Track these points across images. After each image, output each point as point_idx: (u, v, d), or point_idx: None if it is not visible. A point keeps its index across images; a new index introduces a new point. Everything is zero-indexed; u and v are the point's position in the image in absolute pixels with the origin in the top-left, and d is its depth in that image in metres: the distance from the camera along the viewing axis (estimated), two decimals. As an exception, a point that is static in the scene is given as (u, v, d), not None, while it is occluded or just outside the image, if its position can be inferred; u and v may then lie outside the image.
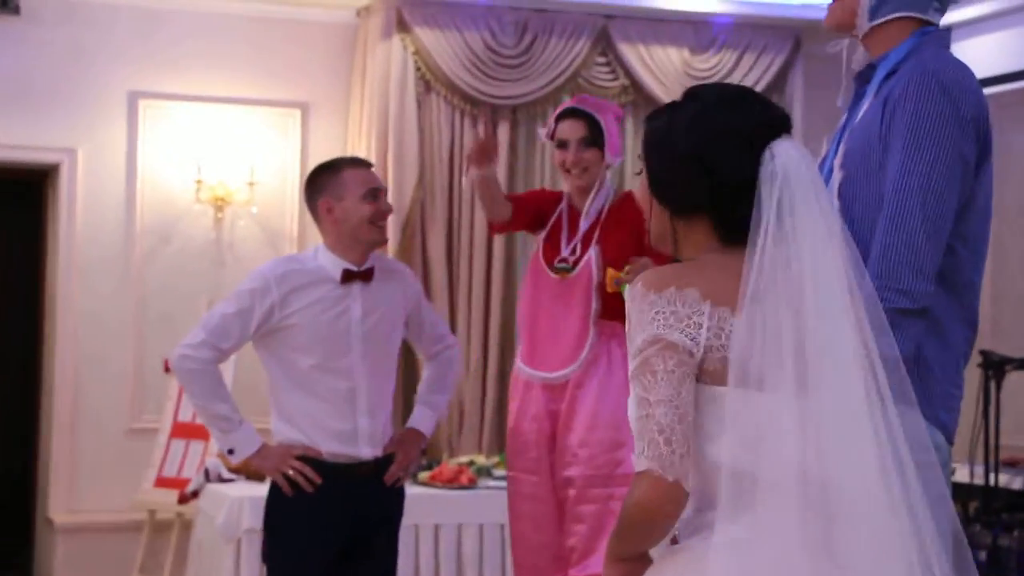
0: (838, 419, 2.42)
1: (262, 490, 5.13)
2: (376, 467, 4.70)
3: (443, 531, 6.69)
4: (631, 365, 2.49)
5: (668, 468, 2.42)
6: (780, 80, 8.44)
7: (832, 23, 3.30)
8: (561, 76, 8.04)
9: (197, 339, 4.57)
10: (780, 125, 2.56)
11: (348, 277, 4.62)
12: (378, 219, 4.65)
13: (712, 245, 2.56)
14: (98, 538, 7.64)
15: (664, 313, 2.47)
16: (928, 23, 3.20)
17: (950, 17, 6.37)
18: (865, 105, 3.20)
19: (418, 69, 7.87)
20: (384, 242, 4.85)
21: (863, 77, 3.25)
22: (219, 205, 7.80)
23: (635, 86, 8.16)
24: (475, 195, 5.69)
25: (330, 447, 4.61)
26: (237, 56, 7.90)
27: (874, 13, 3.20)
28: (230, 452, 4.71)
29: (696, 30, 8.26)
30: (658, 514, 2.45)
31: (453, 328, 7.66)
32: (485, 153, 4.99)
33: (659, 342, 2.46)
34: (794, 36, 8.37)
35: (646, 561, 2.55)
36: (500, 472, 6.88)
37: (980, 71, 6.53)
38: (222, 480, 6.99)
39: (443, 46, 7.87)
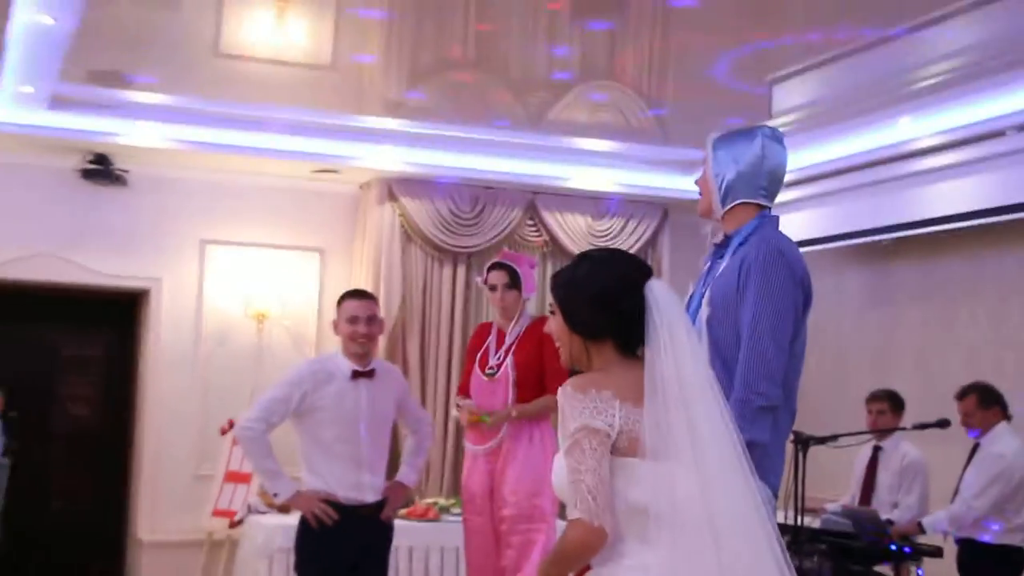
0: (722, 471, 2.45)
1: (289, 520, 5.30)
2: (375, 508, 4.82)
3: (416, 552, 6.91)
4: (563, 445, 2.49)
5: (595, 516, 2.43)
6: (654, 239, 8.88)
7: (701, 211, 3.46)
8: (502, 233, 8.47)
9: (253, 415, 4.74)
10: (648, 272, 2.64)
11: (356, 375, 4.77)
12: (356, 338, 4.79)
13: (615, 359, 2.58)
14: (171, 553, 7.79)
15: (588, 408, 2.48)
16: (763, 206, 3.33)
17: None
18: (724, 263, 3.30)
19: (402, 227, 8.27)
20: (363, 354, 4.80)
21: (722, 244, 3.38)
22: (260, 319, 8.15)
23: (553, 241, 8.59)
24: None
25: (344, 493, 4.74)
26: (275, 214, 8.30)
27: (723, 203, 3.34)
28: (275, 495, 4.79)
29: (595, 203, 8.69)
30: (586, 549, 2.48)
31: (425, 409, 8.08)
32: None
33: (586, 428, 2.47)
34: (663, 209, 8.85)
35: None
36: (456, 510, 7.21)
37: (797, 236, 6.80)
38: (260, 512, 7.23)
39: (420, 211, 8.28)
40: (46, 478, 8.78)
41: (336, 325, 4.87)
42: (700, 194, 3.44)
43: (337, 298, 5.05)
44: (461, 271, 8.50)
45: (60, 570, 8.75)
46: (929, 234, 7.29)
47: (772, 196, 3.41)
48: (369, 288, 8.10)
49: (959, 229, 7.11)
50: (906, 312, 7.62)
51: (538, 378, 5.17)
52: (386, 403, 4.92)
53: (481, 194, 8.50)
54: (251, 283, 8.24)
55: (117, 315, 8.73)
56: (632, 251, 8.61)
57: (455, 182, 8.35)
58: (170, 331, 8.02)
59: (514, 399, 5.18)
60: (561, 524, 4.71)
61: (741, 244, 3.29)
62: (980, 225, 6.96)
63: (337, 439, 4.71)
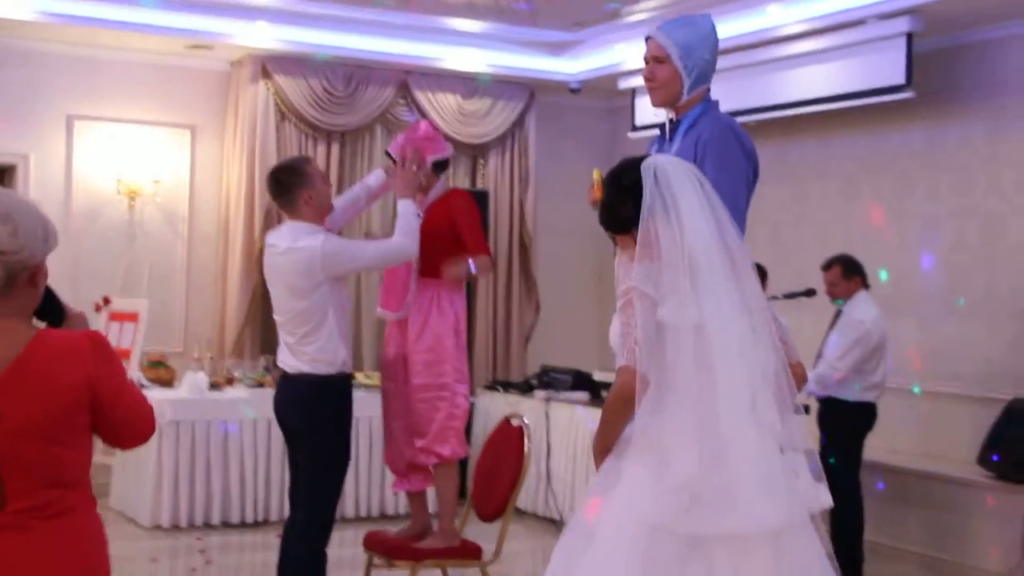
0: (720, 319, 2.64)
1: (176, 394, 5.37)
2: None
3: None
4: (618, 303, 2.74)
5: (639, 364, 2.66)
6: (521, 120, 8.95)
7: (659, 102, 3.43)
8: (375, 111, 8.43)
9: (368, 251, 4.64)
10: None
11: None
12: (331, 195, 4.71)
13: None
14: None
15: (640, 274, 2.69)
16: (707, 92, 3.39)
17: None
18: (675, 146, 3.36)
19: (276, 104, 8.16)
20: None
21: (670, 128, 3.42)
22: (132, 196, 8.02)
23: (424, 119, 8.36)
24: None
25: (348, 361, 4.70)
26: (146, 90, 8.11)
27: (693, 88, 3.36)
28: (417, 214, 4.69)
29: (465, 83, 8.68)
30: (630, 392, 2.68)
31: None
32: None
33: (637, 290, 2.69)
34: (530, 90, 8.96)
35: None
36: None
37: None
38: (144, 387, 6.90)
39: (294, 88, 8.17)
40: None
41: (310, 196, 4.54)
42: (651, 85, 3.41)
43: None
44: (335, 149, 8.45)
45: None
46: (787, 117, 7.50)
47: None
48: (243, 166, 8.10)
49: (813, 113, 7.35)
50: (763, 190, 7.84)
51: (447, 243, 4.96)
52: None
53: (355, 72, 8.41)
54: (122, 160, 8.06)
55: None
56: (499, 131, 8.84)
57: (329, 59, 8.22)
58: (40, 209, 7.68)
59: (418, 269, 5.01)
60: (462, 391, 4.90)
61: (691, 126, 3.35)
62: (833, 109, 7.21)
63: (343, 306, 4.67)
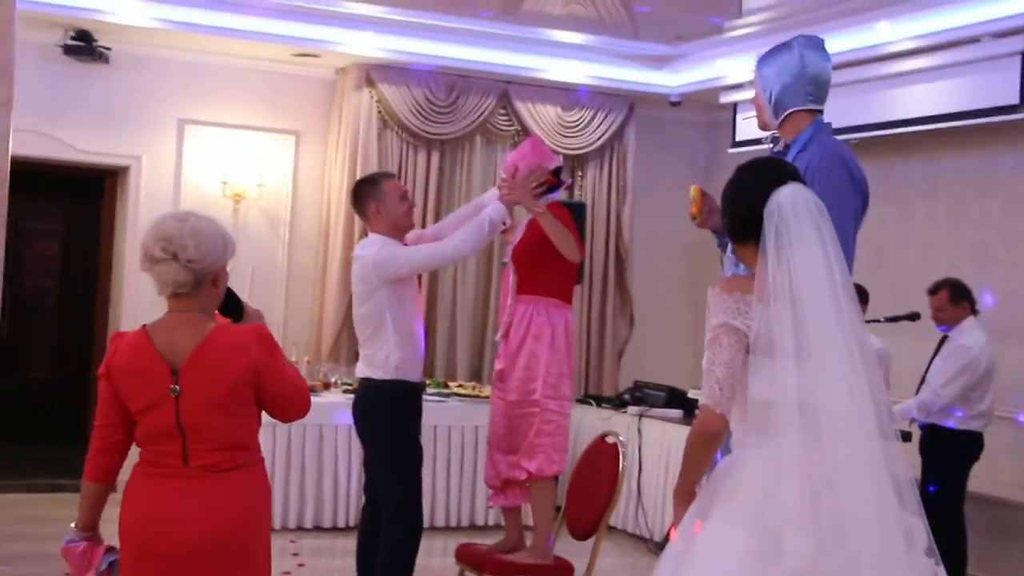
0: (826, 373, 2.52)
1: None
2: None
3: None
4: (707, 337, 2.66)
5: (718, 404, 2.60)
6: (620, 132, 8.81)
7: (761, 125, 3.55)
8: (475, 121, 8.36)
9: (419, 253, 4.62)
10: (788, 177, 2.67)
11: None
12: (411, 213, 4.76)
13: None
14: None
15: (731, 308, 2.62)
16: (815, 111, 3.40)
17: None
18: None
19: (379, 112, 8.14)
20: (413, 226, 4.83)
21: (782, 152, 3.42)
22: (237, 200, 8.07)
23: (524, 130, 8.44)
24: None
25: (418, 369, 4.75)
26: (253, 96, 8.14)
27: (776, 115, 3.44)
28: (504, 223, 4.77)
29: (566, 94, 8.59)
30: (707, 434, 2.63)
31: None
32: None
33: (726, 326, 2.62)
34: (630, 102, 8.81)
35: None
36: (431, 389, 7.19)
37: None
38: None
39: (397, 97, 8.16)
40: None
41: (378, 209, 4.64)
42: (756, 112, 3.52)
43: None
44: (435, 157, 8.42)
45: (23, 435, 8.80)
46: (895, 135, 7.27)
47: (821, 99, 3.46)
48: (345, 173, 8.11)
49: (921, 132, 7.12)
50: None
51: (544, 257, 4.92)
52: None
53: (456, 82, 8.38)
54: (228, 164, 8.12)
55: (100, 189, 8.48)
56: (598, 143, 8.75)
57: (431, 69, 8.21)
58: (148, 209, 7.67)
59: (515, 286, 5.01)
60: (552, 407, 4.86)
61: (801, 151, 3.34)
62: (941, 128, 6.97)
63: (413, 310, 4.71)
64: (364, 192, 4.69)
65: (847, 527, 2.44)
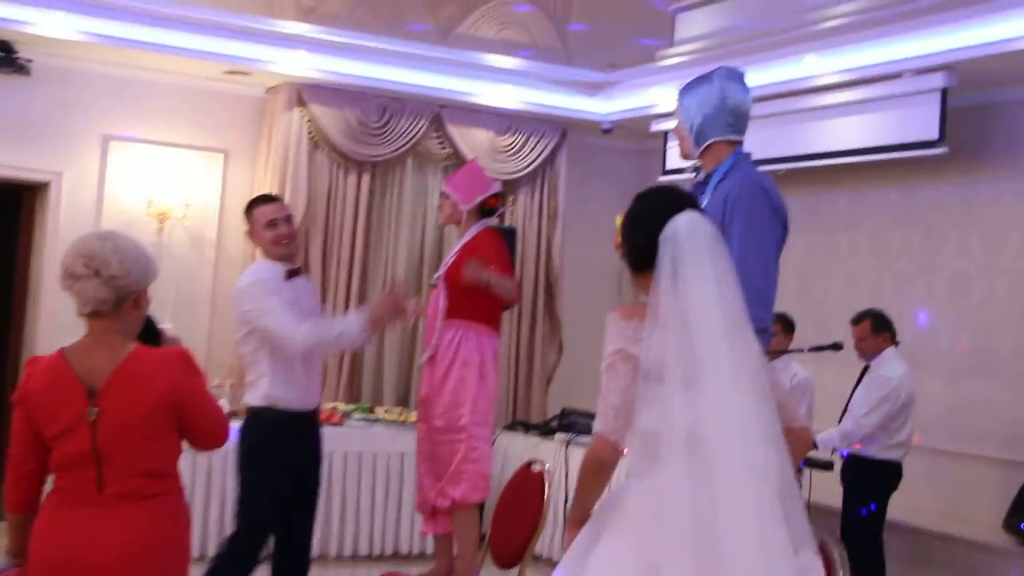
0: (719, 400, 2.48)
1: None
2: (317, 412, 4.68)
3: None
4: (603, 364, 2.64)
5: (611, 432, 2.58)
6: (552, 157, 8.85)
7: (682, 154, 3.60)
8: (407, 144, 8.32)
9: (284, 326, 4.34)
10: (685, 205, 2.65)
11: (290, 275, 4.53)
12: (280, 240, 4.51)
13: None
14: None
15: (628, 334, 2.60)
16: (736, 142, 3.44)
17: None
18: (706, 199, 3.39)
19: (310, 133, 8.07)
20: (289, 254, 4.52)
21: (703, 182, 3.48)
22: (162, 219, 7.93)
23: (456, 154, 8.44)
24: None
25: (301, 400, 4.54)
26: (181, 113, 8.03)
27: (696, 145, 3.49)
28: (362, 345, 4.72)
29: (499, 119, 8.62)
30: (600, 462, 2.61)
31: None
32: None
33: (621, 352, 2.59)
34: (562, 128, 8.86)
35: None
36: (357, 415, 7.23)
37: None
38: None
39: (328, 118, 8.10)
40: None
41: (253, 234, 4.58)
42: (678, 141, 3.57)
43: (243, 203, 4.77)
44: (366, 180, 8.38)
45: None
46: (820, 167, 7.37)
47: (741, 130, 3.50)
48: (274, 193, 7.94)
49: (846, 164, 7.22)
50: (792, 240, 7.72)
51: (469, 289, 4.94)
52: (313, 298, 4.76)
53: (389, 104, 8.34)
54: (154, 182, 7.99)
55: (16, 204, 8.20)
56: (530, 168, 8.78)
57: (364, 90, 8.19)
58: (69, 227, 7.52)
59: (445, 309, 5.00)
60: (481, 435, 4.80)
61: (721, 180, 3.38)
62: (865, 161, 7.07)
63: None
64: (245, 215, 4.63)
65: (731, 562, 2.38)
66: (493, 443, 5.00)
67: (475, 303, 4.98)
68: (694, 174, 3.56)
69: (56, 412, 2.84)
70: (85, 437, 2.81)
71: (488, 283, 4.79)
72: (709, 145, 3.46)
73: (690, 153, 3.53)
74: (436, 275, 5.21)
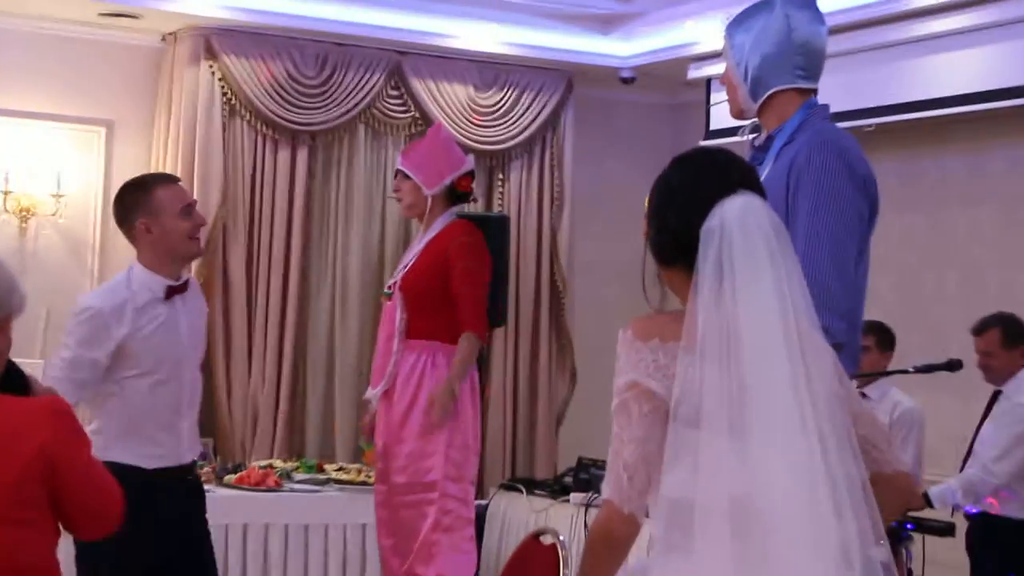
0: (777, 455, 2.48)
1: None
2: (192, 468, 4.73)
3: (252, 531, 6.71)
4: (613, 402, 2.63)
5: (625, 501, 2.55)
6: (554, 118, 8.82)
7: (733, 113, 3.69)
8: (357, 107, 8.31)
9: (65, 358, 4.38)
10: (743, 182, 2.66)
11: (171, 292, 4.50)
12: (195, 233, 4.53)
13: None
14: None
15: (647, 361, 2.58)
16: (807, 91, 3.53)
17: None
18: (767, 170, 3.46)
19: (224, 94, 8.06)
20: (201, 254, 4.76)
21: (763, 147, 3.57)
22: (24, 216, 7.88)
23: (424, 118, 8.39)
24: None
25: (161, 456, 4.55)
26: (44, 73, 7.98)
27: (755, 97, 3.55)
28: None
29: (480, 69, 8.62)
30: (611, 539, 2.61)
31: (250, 341, 7.98)
32: None
33: (638, 387, 2.58)
34: (567, 79, 8.84)
35: None
36: (300, 475, 7.20)
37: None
38: None
39: (249, 73, 8.08)
40: None
41: (150, 228, 4.43)
42: (727, 93, 3.63)
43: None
44: (303, 155, 8.35)
45: None
46: (921, 119, 7.31)
47: (814, 75, 3.55)
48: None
49: (960, 114, 7.15)
50: (887, 221, 7.67)
51: (436, 295, 5.10)
52: (200, 323, 4.73)
53: (331, 53, 8.32)
54: (12, 167, 7.93)
55: None
56: (524, 135, 8.86)
57: (295, 35, 8.15)
58: None
59: (403, 327, 5.12)
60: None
61: (786, 144, 3.44)
62: (988, 110, 6.99)
63: (156, 386, 4.45)
64: (130, 201, 4.46)
65: None
66: (485, 508, 5.02)
67: (442, 317, 5.08)
68: (750, 136, 3.62)
69: None
70: None
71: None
72: (771, 96, 3.51)
73: (745, 108, 3.58)
74: (390, 282, 5.28)
